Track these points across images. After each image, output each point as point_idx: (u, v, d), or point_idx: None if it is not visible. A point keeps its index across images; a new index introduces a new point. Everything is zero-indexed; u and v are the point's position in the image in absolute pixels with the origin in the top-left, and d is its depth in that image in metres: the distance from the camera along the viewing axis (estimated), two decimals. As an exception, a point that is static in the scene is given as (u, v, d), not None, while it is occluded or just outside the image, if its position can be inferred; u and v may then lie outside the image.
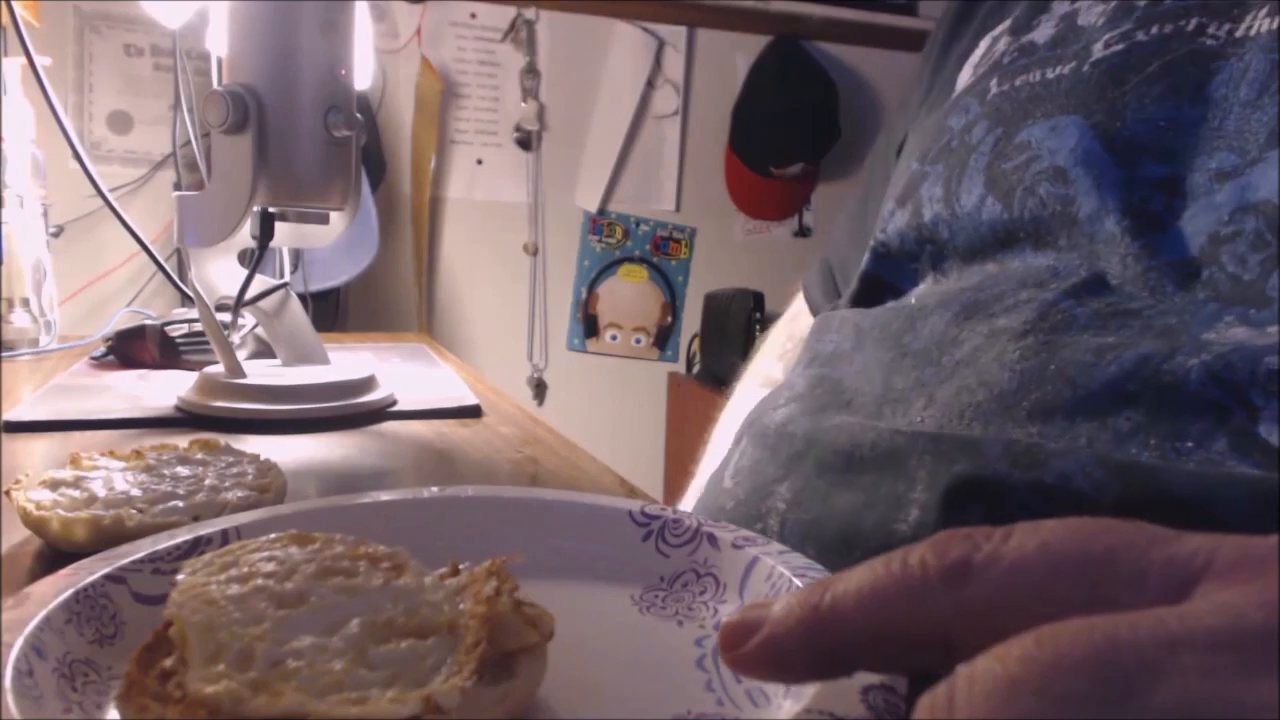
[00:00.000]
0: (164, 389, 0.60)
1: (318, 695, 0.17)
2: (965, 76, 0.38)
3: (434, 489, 0.29)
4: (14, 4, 0.63)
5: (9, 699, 0.17)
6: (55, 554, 0.30)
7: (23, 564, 0.30)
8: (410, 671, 0.18)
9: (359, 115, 0.53)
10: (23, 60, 0.69)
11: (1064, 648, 0.12)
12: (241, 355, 0.57)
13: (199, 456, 0.36)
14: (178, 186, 1.58)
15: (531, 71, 1.91)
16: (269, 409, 0.53)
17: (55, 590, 0.21)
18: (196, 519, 0.30)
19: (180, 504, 0.31)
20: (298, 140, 0.51)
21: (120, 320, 0.80)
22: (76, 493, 0.31)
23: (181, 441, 0.38)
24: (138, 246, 0.66)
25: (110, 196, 0.64)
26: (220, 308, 0.56)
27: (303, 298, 0.72)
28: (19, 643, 0.19)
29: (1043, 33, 0.34)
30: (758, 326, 1.70)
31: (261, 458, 0.37)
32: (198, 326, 0.71)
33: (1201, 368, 0.22)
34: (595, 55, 1.95)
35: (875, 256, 0.38)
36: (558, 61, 1.93)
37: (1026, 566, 0.14)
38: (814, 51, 2.04)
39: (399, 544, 0.22)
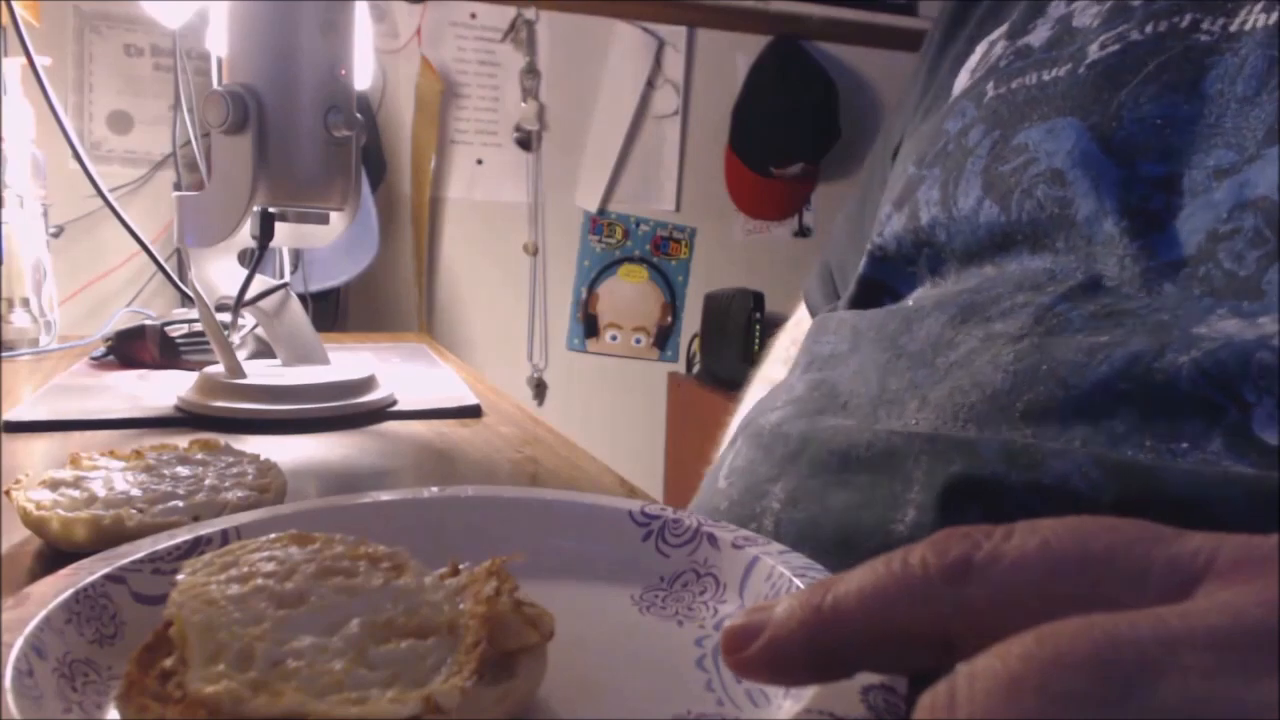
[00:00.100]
0: (164, 389, 0.60)
1: (318, 695, 0.17)
2: (962, 80, 0.38)
3: (434, 489, 0.29)
4: (14, 4, 0.63)
5: (9, 699, 0.17)
6: (55, 554, 0.30)
7: (23, 564, 0.30)
8: (410, 671, 0.18)
9: (359, 115, 0.53)
10: (23, 60, 0.69)
11: (1065, 646, 0.12)
12: (241, 355, 0.57)
13: (199, 456, 0.36)
14: (178, 186, 1.58)
15: (531, 71, 1.91)
16: (269, 409, 0.53)
17: (55, 590, 0.21)
18: (196, 519, 0.30)
19: (180, 504, 0.31)
20: (298, 140, 0.51)
21: (120, 320, 0.80)
22: (76, 493, 0.31)
23: (181, 441, 0.38)
24: (138, 246, 0.67)
25: (110, 196, 0.64)
26: (220, 308, 0.56)
27: (303, 298, 0.72)
28: (19, 643, 0.19)
29: (1039, 35, 0.34)
30: (758, 326, 1.70)
31: (261, 458, 0.37)
32: (198, 326, 0.71)
33: (1192, 365, 0.22)
34: (595, 55, 1.95)
35: (872, 260, 0.38)
36: (558, 61, 1.93)
37: (1027, 565, 0.14)
38: (814, 51, 2.04)
39: (399, 544, 0.22)
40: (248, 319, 0.61)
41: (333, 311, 1.72)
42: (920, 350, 0.31)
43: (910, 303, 0.34)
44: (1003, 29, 0.37)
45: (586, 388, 2.04)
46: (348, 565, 0.21)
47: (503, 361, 1.97)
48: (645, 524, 0.27)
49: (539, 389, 2.02)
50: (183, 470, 0.34)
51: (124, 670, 0.18)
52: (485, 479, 0.44)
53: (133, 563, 0.23)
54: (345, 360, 0.64)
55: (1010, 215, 0.30)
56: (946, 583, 0.15)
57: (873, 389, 0.31)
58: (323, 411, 0.53)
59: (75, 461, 0.34)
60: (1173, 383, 0.23)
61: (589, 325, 2.04)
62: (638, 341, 2.08)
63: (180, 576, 0.20)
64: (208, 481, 0.33)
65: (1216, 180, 0.25)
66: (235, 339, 0.57)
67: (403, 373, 0.72)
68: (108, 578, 0.22)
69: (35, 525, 0.30)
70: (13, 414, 0.51)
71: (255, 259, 0.55)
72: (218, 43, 0.63)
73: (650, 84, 1.98)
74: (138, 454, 0.35)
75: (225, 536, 0.25)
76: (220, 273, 0.57)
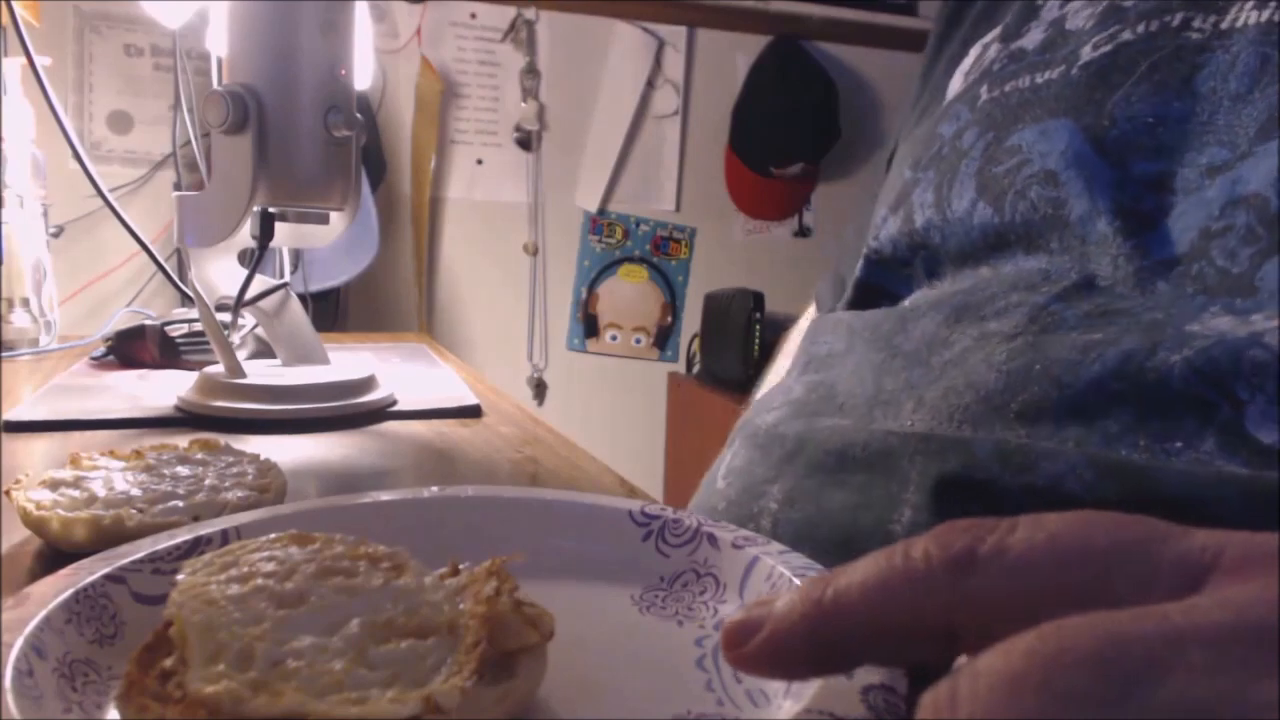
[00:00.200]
0: (164, 389, 0.60)
1: (318, 695, 0.17)
2: (956, 83, 0.39)
3: (434, 489, 0.29)
4: (14, 4, 0.63)
5: (9, 699, 0.17)
6: (55, 554, 0.30)
7: (23, 564, 0.30)
8: (410, 671, 0.18)
9: (359, 115, 0.53)
10: (23, 60, 0.69)
11: (1067, 643, 0.12)
12: (241, 355, 0.57)
13: (199, 456, 0.36)
14: (178, 186, 1.58)
15: (531, 71, 1.91)
16: (269, 409, 0.53)
17: (55, 590, 0.21)
18: (196, 519, 0.30)
19: (180, 504, 0.31)
20: (298, 140, 0.51)
21: (120, 320, 0.80)
22: (76, 493, 0.31)
23: (181, 441, 0.38)
24: (138, 246, 0.66)
25: (110, 196, 0.64)
26: (220, 307, 0.56)
27: (303, 298, 0.72)
28: (19, 643, 0.19)
29: (1032, 38, 0.34)
30: (758, 326, 1.70)
31: (261, 458, 0.37)
32: (198, 326, 0.71)
33: (1184, 363, 0.22)
34: (595, 55, 1.95)
35: (869, 263, 0.38)
36: (558, 61, 1.93)
37: (1033, 559, 0.14)
38: (814, 51, 2.04)
39: (399, 544, 0.22)
40: (248, 319, 0.61)
41: (333, 311, 1.72)
42: (915, 350, 0.31)
43: (906, 303, 0.34)
44: (996, 31, 0.37)
45: (586, 388, 2.04)
46: (348, 565, 0.21)
47: (503, 361, 1.97)
48: (645, 524, 0.27)
49: (539, 389, 2.02)
50: (183, 470, 0.34)
51: (124, 670, 0.18)
52: (485, 479, 0.44)
53: (133, 563, 0.23)
54: (345, 360, 0.64)
55: (1004, 216, 0.31)
56: (950, 574, 0.14)
57: (868, 389, 0.31)
58: (323, 411, 0.53)
59: (75, 461, 0.34)
60: (1165, 381, 0.23)
61: (589, 325, 2.04)
62: (638, 341, 2.08)
63: (180, 576, 0.20)
64: (208, 481, 0.33)
65: (1209, 178, 0.25)
66: (235, 339, 0.57)
67: (403, 373, 0.72)
68: (108, 578, 0.22)
69: (35, 525, 0.30)
70: (13, 414, 0.51)
71: (255, 259, 0.55)
72: (217, 43, 0.63)
73: (650, 84, 1.98)
74: (138, 454, 0.35)
75: (225, 536, 0.25)
76: (220, 272, 0.57)
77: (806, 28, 2.03)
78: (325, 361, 0.61)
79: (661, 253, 2.06)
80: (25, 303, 0.81)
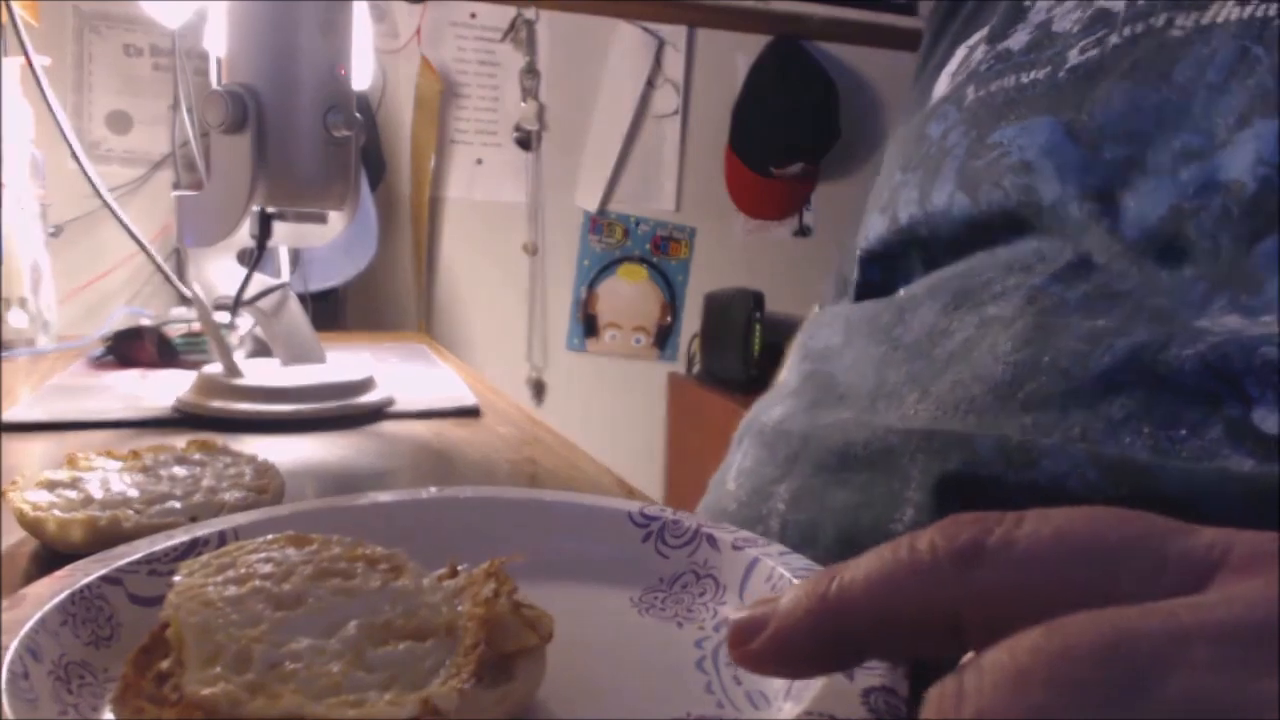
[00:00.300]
0: (162, 389, 0.60)
1: (315, 697, 0.17)
2: (942, 85, 0.39)
3: (432, 490, 0.29)
4: (13, 4, 0.63)
5: (4, 701, 0.17)
6: (51, 555, 0.30)
7: (19, 565, 0.30)
8: (408, 673, 0.18)
9: (358, 115, 0.53)
10: (22, 60, 0.69)
11: (1074, 639, 0.12)
12: (239, 355, 0.57)
13: (196, 457, 0.36)
14: (177, 186, 1.57)
15: (531, 71, 1.91)
16: (267, 409, 0.52)
17: (51, 592, 0.21)
18: (193, 520, 0.30)
19: (177, 505, 0.31)
20: (297, 140, 0.51)
21: (118, 320, 0.79)
22: (73, 493, 0.31)
23: (179, 442, 0.38)
24: (136, 246, 0.66)
25: (109, 197, 0.64)
26: (219, 307, 0.56)
27: (302, 298, 0.72)
28: (14, 645, 0.19)
29: (1018, 40, 0.34)
30: (758, 326, 1.70)
31: (259, 458, 0.36)
32: (196, 326, 0.71)
33: (1196, 358, 0.22)
34: (595, 55, 1.95)
35: (864, 264, 0.39)
36: (558, 61, 1.93)
37: (1041, 552, 0.14)
38: (814, 51, 2.04)
39: (397, 545, 0.22)
40: (246, 319, 0.61)
41: (332, 311, 1.71)
42: (916, 341, 0.31)
43: (901, 293, 0.35)
44: (983, 33, 0.38)
45: (586, 388, 2.04)
46: (345, 567, 0.21)
47: (502, 361, 1.97)
48: (645, 525, 0.27)
49: (538, 389, 2.01)
50: (180, 471, 0.34)
51: (120, 672, 0.18)
52: (484, 480, 0.44)
53: (129, 564, 0.23)
54: (344, 360, 0.64)
55: (979, 205, 0.31)
56: (957, 567, 0.14)
57: (869, 382, 0.31)
58: (321, 412, 0.53)
59: (72, 462, 0.34)
60: (1176, 374, 0.23)
61: (588, 325, 2.04)
62: (637, 341, 2.07)
63: (177, 578, 0.20)
64: (205, 482, 0.33)
65: (1182, 162, 0.26)
66: (233, 339, 0.57)
67: (401, 373, 0.72)
68: (104, 579, 0.22)
69: (32, 526, 0.30)
70: (10, 414, 0.51)
71: (254, 259, 0.55)
72: (216, 43, 0.63)
73: (650, 84, 1.98)
74: (135, 454, 0.35)
75: (222, 538, 0.25)
76: (219, 272, 0.57)
77: (807, 27, 2.03)
78: (324, 361, 0.61)
79: (661, 252, 2.06)
80: (23, 302, 0.81)
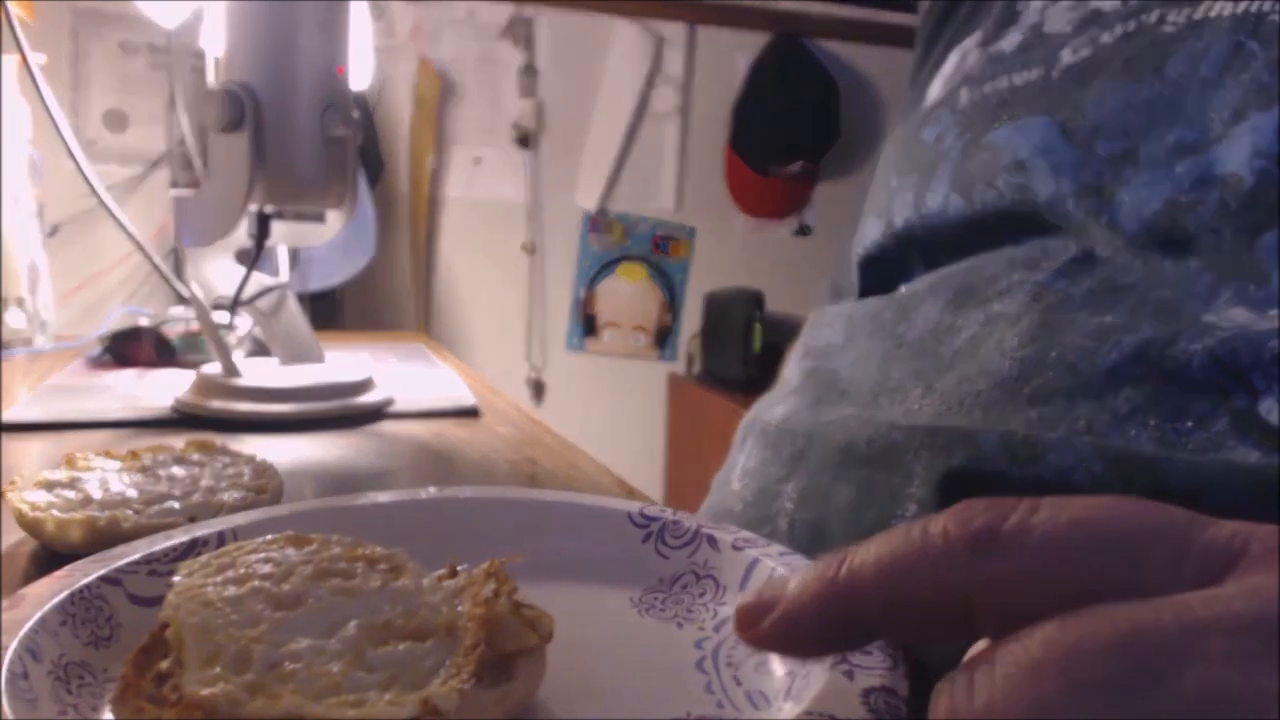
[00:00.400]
0: (160, 389, 0.60)
1: (315, 697, 0.17)
2: (936, 89, 0.39)
3: (432, 490, 0.29)
4: (9, 2, 0.63)
5: (4, 701, 0.17)
6: (50, 555, 0.30)
7: (18, 565, 0.30)
8: (408, 674, 0.18)
9: (356, 114, 0.53)
10: (18, 58, 0.69)
11: (1088, 632, 0.12)
12: (238, 355, 0.57)
13: (195, 457, 0.36)
14: (174, 185, 1.57)
15: (530, 70, 1.90)
16: (266, 409, 0.52)
17: (50, 592, 0.21)
18: (193, 520, 0.30)
19: (176, 505, 0.31)
20: (295, 139, 0.51)
21: (116, 320, 0.79)
22: (72, 494, 0.31)
23: (178, 442, 0.38)
24: (134, 245, 0.66)
25: (106, 196, 0.64)
26: (217, 307, 0.56)
27: (300, 297, 0.72)
28: (14, 645, 0.19)
29: (1010, 41, 0.35)
30: (758, 326, 1.70)
31: (258, 458, 0.36)
32: (194, 326, 0.71)
33: (1205, 353, 0.22)
34: (594, 53, 1.95)
35: (863, 270, 0.39)
36: (556, 60, 1.93)
37: (1059, 540, 0.14)
38: (814, 49, 2.04)
39: (397, 545, 0.22)
40: (245, 318, 0.60)
41: (330, 311, 1.71)
42: (919, 338, 0.31)
43: (903, 290, 0.35)
44: (975, 37, 0.38)
45: (585, 388, 2.04)
46: (345, 567, 0.21)
47: (501, 361, 1.97)
48: (645, 525, 0.27)
49: (537, 389, 2.01)
50: (179, 471, 0.34)
51: (120, 672, 0.17)
52: (483, 480, 0.44)
53: (128, 564, 0.23)
54: (343, 360, 0.64)
55: (974, 206, 0.31)
56: (971, 552, 0.14)
57: (873, 378, 0.31)
58: (320, 412, 0.53)
59: (71, 462, 0.34)
60: (1184, 368, 0.23)
61: (588, 325, 2.04)
62: (637, 341, 2.07)
63: (176, 578, 0.20)
64: (204, 482, 0.33)
65: (1177, 156, 0.26)
66: (232, 339, 0.57)
67: (400, 372, 0.72)
68: (103, 579, 0.22)
69: (30, 526, 0.30)
70: (8, 414, 0.51)
71: (253, 259, 0.55)
72: (213, 41, 0.63)
73: (650, 82, 1.98)
74: (133, 455, 0.35)
75: (222, 538, 0.25)
76: (217, 272, 0.57)
77: (807, 25, 2.03)
78: (322, 361, 0.61)
79: (661, 252, 2.06)
80: (21, 302, 0.81)
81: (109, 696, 0.18)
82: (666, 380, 2.04)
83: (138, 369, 0.69)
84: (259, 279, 0.58)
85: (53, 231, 0.96)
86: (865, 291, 0.39)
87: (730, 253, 2.08)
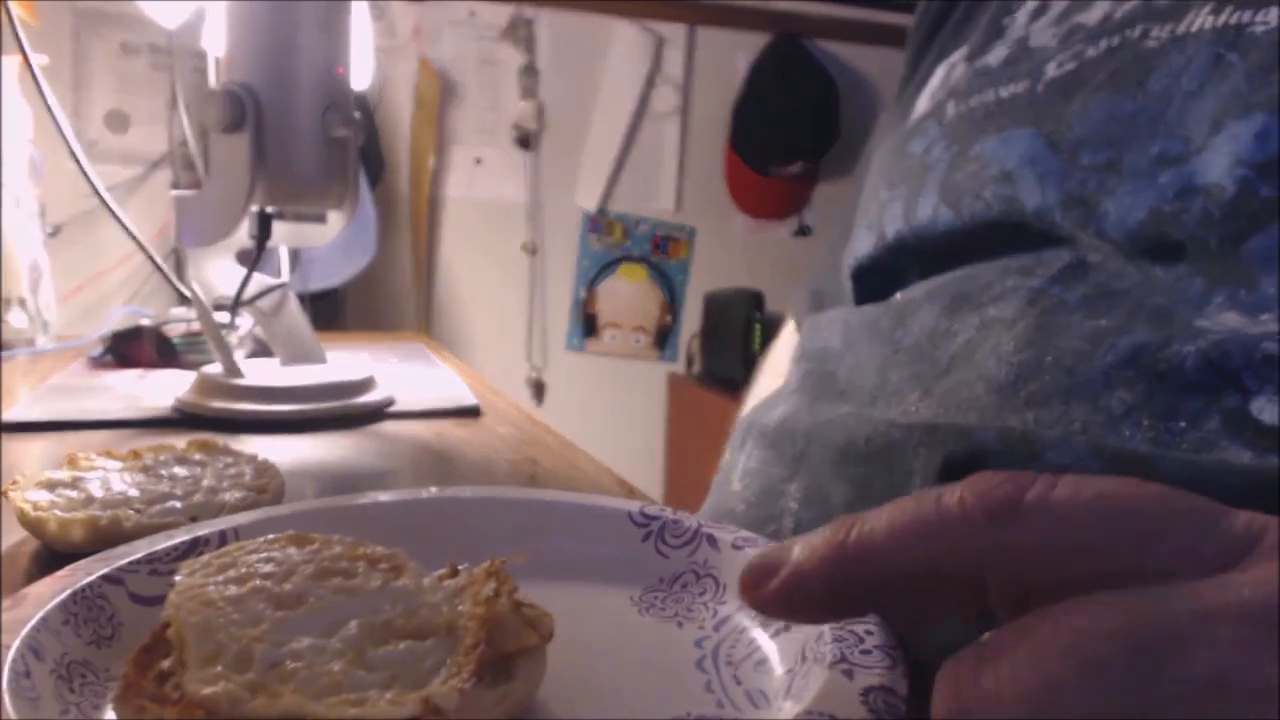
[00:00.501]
0: (162, 389, 0.60)
1: (316, 697, 0.17)
2: (923, 103, 0.39)
3: (432, 489, 0.29)
4: (10, 3, 0.63)
5: (7, 700, 0.17)
6: (52, 555, 0.30)
7: (20, 565, 0.30)
8: (409, 673, 0.18)
9: (357, 114, 0.53)
10: (20, 59, 0.69)
11: (1096, 614, 0.12)
12: (239, 355, 0.57)
13: (196, 457, 0.36)
14: (175, 185, 1.57)
15: (530, 70, 1.91)
16: (267, 409, 0.52)
17: (52, 591, 0.21)
18: (194, 520, 0.30)
19: (178, 505, 0.31)
20: (296, 140, 0.51)
21: (117, 320, 0.79)
22: (74, 493, 0.31)
23: (179, 442, 0.38)
24: (135, 246, 0.66)
25: (107, 196, 0.64)
26: (218, 307, 0.56)
27: (301, 297, 0.72)
28: (16, 644, 0.19)
29: (996, 55, 0.35)
30: (758, 326, 1.70)
31: (259, 458, 0.37)
32: (196, 326, 0.71)
33: (1198, 355, 0.23)
34: (594, 54, 1.95)
35: (856, 280, 0.39)
36: (557, 60, 1.93)
37: (1079, 514, 0.14)
38: (814, 50, 2.04)
39: (397, 545, 0.22)
40: (246, 318, 0.61)
41: (331, 311, 1.71)
42: (917, 343, 0.31)
43: (899, 297, 0.35)
44: (962, 51, 0.38)
45: (585, 388, 2.04)
46: (346, 566, 0.21)
47: (501, 361, 1.97)
48: (645, 525, 0.27)
49: (538, 389, 2.01)
50: (180, 471, 0.34)
51: (121, 671, 0.18)
52: (484, 479, 0.44)
53: (130, 564, 0.23)
54: (343, 360, 0.64)
55: (963, 218, 0.31)
56: (990, 521, 0.14)
57: (871, 381, 0.32)
58: (321, 412, 0.53)
59: (72, 462, 0.34)
60: (1177, 370, 0.23)
61: (588, 325, 2.04)
62: (637, 341, 2.08)
63: (178, 578, 0.20)
64: (205, 482, 0.33)
65: (1160, 167, 0.26)
66: (233, 339, 0.57)
67: (401, 373, 0.72)
68: (105, 579, 0.22)
69: (32, 526, 0.30)
70: (10, 414, 0.51)
71: (253, 259, 0.55)
72: (214, 42, 0.63)
73: (650, 82, 1.98)
74: (135, 454, 0.35)
75: (223, 537, 0.25)
76: (218, 272, 0.57)
77: (806, 25, 2.03)
78: (323, 361, 0.61)
79: (661, 252, 2.06)
80: (22, 302, 0.81)
81: (111, 695, 0.18)
82: (666, 380, 2.05)
83: (139, 369, 0.69)
84: (260, 279, 0.58)
85: (54, 232, 0.96)
86: (859, 302, 0.39)
87: (730, 253, 2.08)
